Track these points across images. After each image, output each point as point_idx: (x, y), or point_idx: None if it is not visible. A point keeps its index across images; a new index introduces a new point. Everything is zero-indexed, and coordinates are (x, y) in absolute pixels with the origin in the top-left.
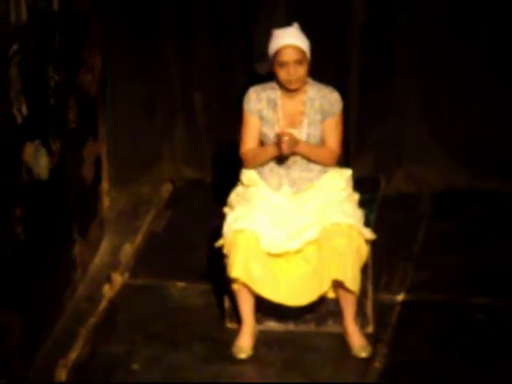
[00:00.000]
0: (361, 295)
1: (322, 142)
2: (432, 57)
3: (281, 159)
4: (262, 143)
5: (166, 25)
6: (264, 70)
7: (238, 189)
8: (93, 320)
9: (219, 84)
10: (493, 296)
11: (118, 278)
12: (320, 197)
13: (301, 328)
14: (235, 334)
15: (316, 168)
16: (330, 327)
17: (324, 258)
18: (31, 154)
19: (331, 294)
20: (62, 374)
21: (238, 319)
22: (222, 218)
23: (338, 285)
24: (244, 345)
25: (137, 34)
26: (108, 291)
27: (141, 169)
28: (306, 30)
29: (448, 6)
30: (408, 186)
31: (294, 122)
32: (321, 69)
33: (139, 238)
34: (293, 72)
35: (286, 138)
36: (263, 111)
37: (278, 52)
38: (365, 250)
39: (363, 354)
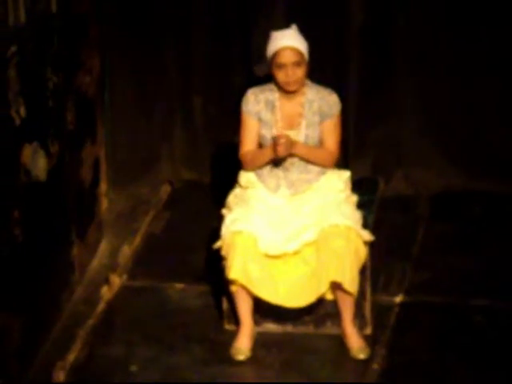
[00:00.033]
0: (359, 297)
1: (321, 144)
2: (430, 58)
3: (278, 161)
4: (260, 145)
5: (164, 26)
6: (262, 72)
7: (236, 190)
8: (91, 322)
9: (218, 86)
10: (491, 298)
11: (117, 280)
12: (318, 198)
13: (299, 330)
14: (233, 335)
15: (314, 169)
16: (329, 329)
17: (322, 260)
18: (29, 156)
19: (329, 296)
20: (60, 376)
21: (236, 321)
22: (220, 219)
23: (336, 286)
24: (242, 346)
25: (135, 36)
26: (106, 293)
27: (139, 170)
28: (305, 32)
29: (446, 7)
30: (407, 187)
31: (292, 124)
32: (320, 70)
33: (137, 240)
34: (291, 74)
35: (282, 141)
36: (261, 113)
37: (276, 54)
38: (363, 252)
39: (361, 356)
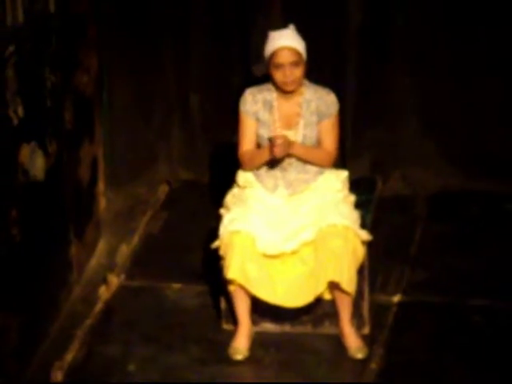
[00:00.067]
0: (357, 296)
1: (319, 144)
2: (429, 58)
3: (276, 161)
4: (258, 145)
5: (162, 26)
6: (260, 72)
7: (234, 190)
8: (89, 321)
9: (216, 85)
10: (489, 297)
11: (114, 280)
12: (316, 198)
13: (297, 329)
14: (231, 335)
15: (312, 169)
16: (327, 328)
17: (320, 260)
18: (27, 156)
19: (327, 296)
20: (58, 376)
21: (234, 320)
22: (218, 219)
23: (334, 286)
24: (240, 346)
25: (133, 35)
26: (104, 293)
27: (137, 170)
28: (303, 32)
29: (445, 7)
30: (404, 187)
31: (290, 124)
32: (318, 70)
33: (135, 240)
34: (289, 74)
35: (279, 142)
36: (259, 113)
37: (273, 54)
38: (361, 252)
39: (359, 356)
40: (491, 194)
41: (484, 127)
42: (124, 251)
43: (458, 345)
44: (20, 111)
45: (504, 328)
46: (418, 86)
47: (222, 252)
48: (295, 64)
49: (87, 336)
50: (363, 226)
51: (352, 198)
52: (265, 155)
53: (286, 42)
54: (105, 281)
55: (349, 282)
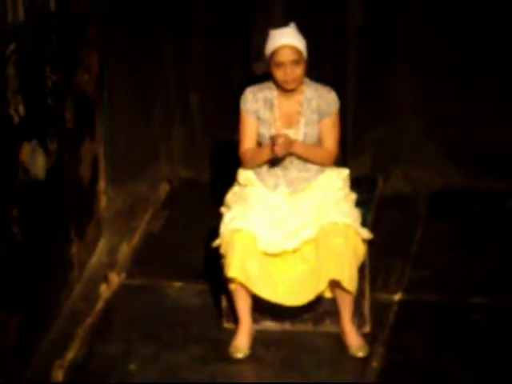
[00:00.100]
0: (358, 295)
1: (320, 142)
2: (429, 57)
3: (277, 160)
4: (259, 143)
5: (163, 25)
6: (261, 70)
7: (235, 189)
8: (89, 320)
9: (216, 84)
10: (490, 296)
11: (115, 278)
12: (317, 196)
13: (298, 328)
14: (232, 333)
15: (313, 168)
16: (327, 327)
17: (321, 258)
18: (28, 154)
19: (328, 294)
20: (58, 375)
21: (235, 319)
22: (218, 217)
23: (335, 284)
24: (241, 344)
25: (134, 34)
26: (105, 291)
27: (138, 168)
28: (304, 31)
29: (445, 7)
30: (405, 185)
31: (290, 122)
32: (318, 68)
33: (136, 238)
34: (289, 72)
35: (280, 141)
36: (260, 111)
37: (274, 52)
38: (362, 250)
39: (360, 354)
40: (492, 193)
41: (484, 126)
42: (125, 250)
43: (459, 343)
44: (21, 110)
45: (505, 326)
46: (419, 85)
47: (222, 250)
48: (296, 62)
49: (88, 335)
50: (364, 224)
51: (353, 196)
52: (266, 154)
53: (286, 40)
54: (105, 279)
55: (350, 281)
